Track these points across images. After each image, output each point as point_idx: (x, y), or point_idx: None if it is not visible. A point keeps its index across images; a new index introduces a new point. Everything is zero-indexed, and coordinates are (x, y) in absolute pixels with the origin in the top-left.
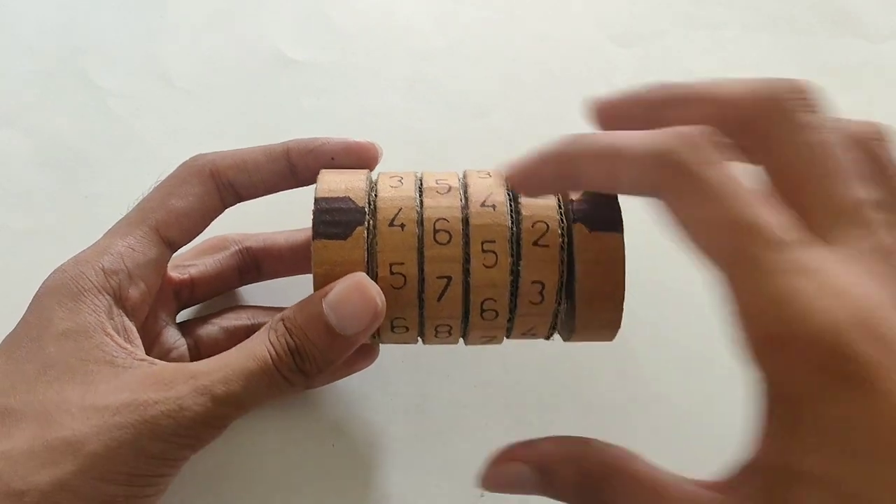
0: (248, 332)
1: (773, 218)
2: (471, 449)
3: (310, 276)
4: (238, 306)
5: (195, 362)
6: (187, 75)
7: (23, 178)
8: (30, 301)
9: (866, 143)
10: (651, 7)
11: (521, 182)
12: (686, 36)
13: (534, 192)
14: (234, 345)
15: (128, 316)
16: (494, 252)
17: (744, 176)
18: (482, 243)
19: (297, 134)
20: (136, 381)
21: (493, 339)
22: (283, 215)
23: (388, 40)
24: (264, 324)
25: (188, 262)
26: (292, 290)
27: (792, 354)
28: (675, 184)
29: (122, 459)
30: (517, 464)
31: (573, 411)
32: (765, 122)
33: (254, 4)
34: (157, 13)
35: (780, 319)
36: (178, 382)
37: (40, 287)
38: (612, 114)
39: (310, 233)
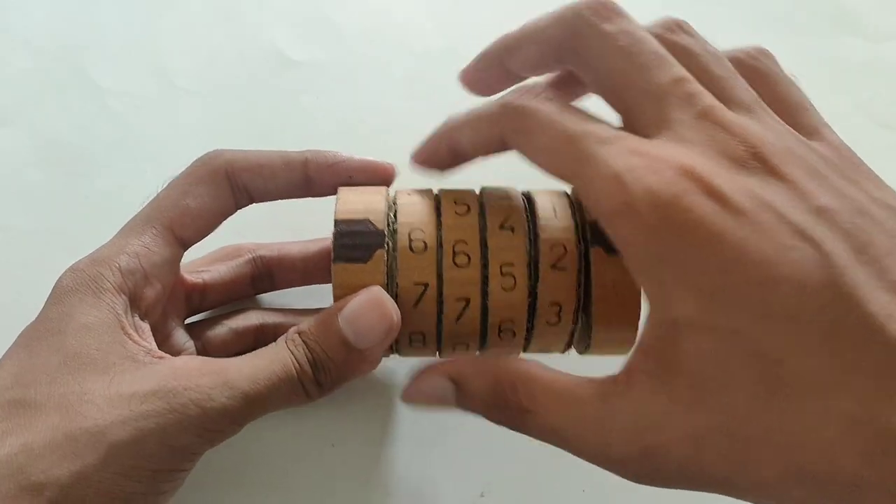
0: (257, 333)
1: (598, 126)
2: (471, 449)
3: (321, 286)
4: (247, 308)
5: (220, 359)
6: (187, 75)
7: (22, 177)
8: (20, 298)
9: (741, 59)
10: (651, 8)
11: (425, 161)
12: None
13: (436, 167)
14: (243, 346)
15: (141, 316)
16: (513, 275)
17: (571, 104)
18: (501, 266)
19: (298, 133)
20: (165, 370)
21: (509, 356)
22: (296, 217)
23: (388, 40)
24: (273, 325)
25: (202, 267)
26: (302, 295)
27: (639, 218)
28: (516, 124)
29: (147, 451)
30: (437, 377)
31: None
32: (576, 40)
33: (254, 4)
34: (157, 13)
35: (621, 191)
36: (208, 374)
37: (57, 285)
38: (473, 76)
39: (323, 244)
